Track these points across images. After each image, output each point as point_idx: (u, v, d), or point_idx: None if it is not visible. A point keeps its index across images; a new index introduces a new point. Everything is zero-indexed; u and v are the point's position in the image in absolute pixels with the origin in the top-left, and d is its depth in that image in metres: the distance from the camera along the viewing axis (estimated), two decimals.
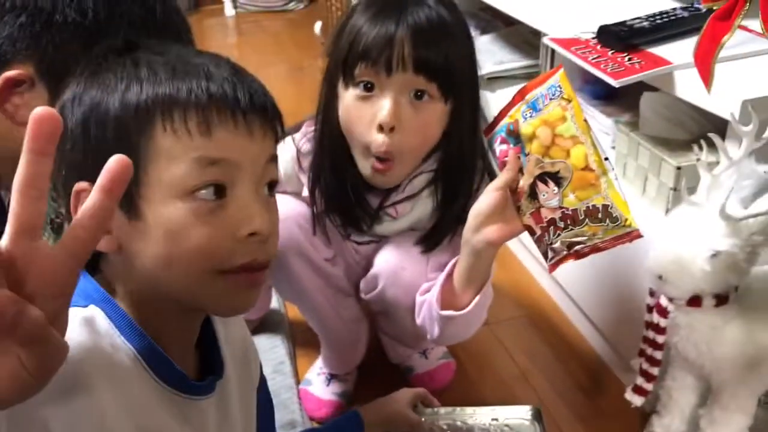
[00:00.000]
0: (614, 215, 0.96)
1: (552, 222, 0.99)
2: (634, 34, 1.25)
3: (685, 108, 1.28)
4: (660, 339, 1.12)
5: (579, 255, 1.00)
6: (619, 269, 1.40)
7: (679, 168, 1.21)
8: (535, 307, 1.71)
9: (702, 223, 1.02)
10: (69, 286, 0.47)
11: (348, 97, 1.09)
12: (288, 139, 1.21)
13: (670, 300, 1.08)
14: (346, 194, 1.17)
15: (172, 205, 0.62)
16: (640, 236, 0.97)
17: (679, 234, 1.04)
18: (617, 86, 1.17)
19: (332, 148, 1.15)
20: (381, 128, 1.06)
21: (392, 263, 1.20)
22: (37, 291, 0.44)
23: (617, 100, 1.56)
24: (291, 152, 1.21)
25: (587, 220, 0.97)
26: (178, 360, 0.69)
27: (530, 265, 1.83)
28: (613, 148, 1.42)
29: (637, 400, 1.19)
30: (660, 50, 1.23)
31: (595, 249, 0.99)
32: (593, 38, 1.31)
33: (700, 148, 1.06)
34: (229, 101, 0.63)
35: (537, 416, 1.23)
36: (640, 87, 1.31)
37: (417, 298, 1.18)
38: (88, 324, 0.63)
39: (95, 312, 0.64)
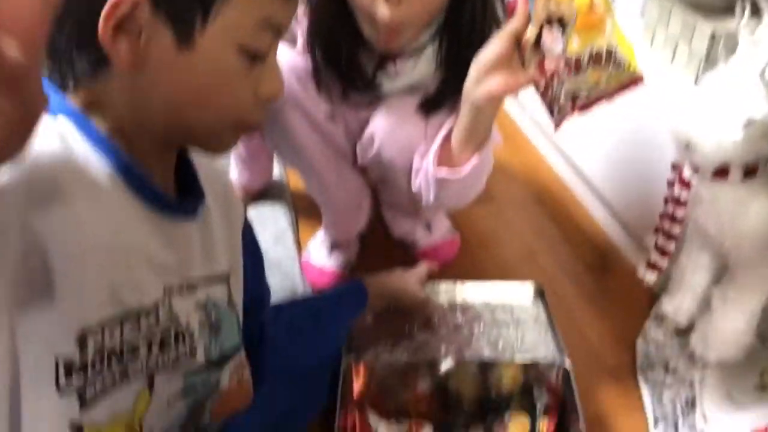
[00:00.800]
0: (618, 60, 0.90)
1: (556, 72, 0.93)
2: None
3: None
4: (679, 213, 1.07)
5: (583, 107, 0.94)
6: (638, 146, 1.34)
7: (713, 35, 1.12)
8: (544, 186, 1.66)
9: (737, 89, 0.95)
10: (41, 36, 0.41)
11: None
12: None
13: (695, 171, 1.02)
14: (344, 49, 1.10)
15: (224, 51, 0.62)
16: (642, 82, 0.92)
17: (711, 101, 0.97)
18: None
19: (330, 3, 1.07)
20: None
21: (389, 122, 1.14)
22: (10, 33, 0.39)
23: None
24: None
25: (590, 66, 0.91)
26: (158, 180, 0.66)
27: (540, 144, 1.77)
28: (642, 16, 1.33)
29: (650, 277, 1.15)
30: None
31: (599, 99, 0.94)
32: None
33: (742, 10, 0.98)
34: None
35: (539, 293, 1.21)
36: None
37: (414, 162, 1.12)
38: (60, 137, 0.59)
39: (67, 126, 0.61)
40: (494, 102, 0.96)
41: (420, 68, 1.13)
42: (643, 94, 0.95)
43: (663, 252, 1.13)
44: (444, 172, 1.04)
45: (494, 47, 0.92)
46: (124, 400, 0.66)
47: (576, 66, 0.91)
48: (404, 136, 1.13)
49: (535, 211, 1.59)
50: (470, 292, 1.23)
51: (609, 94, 0.94)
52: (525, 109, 1.79)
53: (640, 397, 1.17)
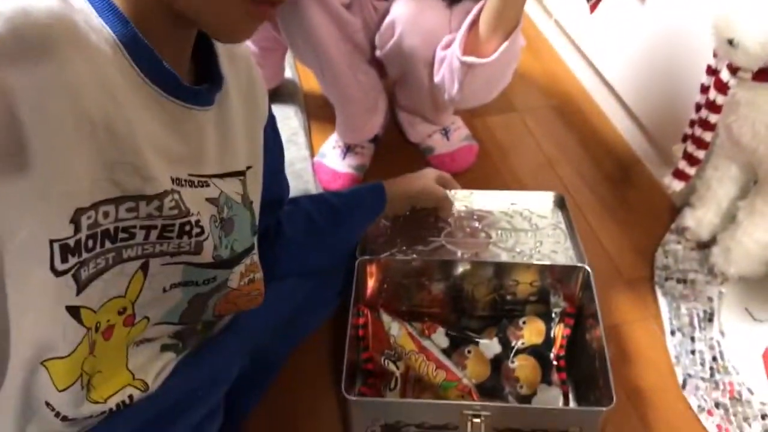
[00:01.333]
0: None
1: None
2: None
3: None
4: (713, 118, 1.02)
5: None
6: (667, 52, 1.27)
7: None
8: (566, 95, 1.60)
9: None
10: None
11: None
12: None
13: (734, 72, 0.96)
14: None
15: None
16: None
17: None
18: None
19: None
20: None
21: (411, 8, 1.09)
22: None
23: None
24: None
25: None
26: (169, 63, 0.60)
27: (563, 51, 1.69)
28: None
29: (676, 185, 1.11)
30: None
31: None
32: None
33: None
34: None
35: (560, 203, 1.17)
36: None
37: (437, 53, 1.07)
38: None
39: None
40: None
41: None
42: None
43: (691, 160, 1.08)
44: (472, 57, 0.98)
45: None
46: (116, 285, 0.63)
47: None
48: (427, 23, 1.07)
49: (555, 120, 1.54)
50: (489, 200, 1.19)
51: None
52: (550, 15, 1.71)
53: (657, 309, 1.14)
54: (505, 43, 0.97)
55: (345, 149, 1.34)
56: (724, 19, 0.92)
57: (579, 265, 1.01)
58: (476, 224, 1.14)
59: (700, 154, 1.07)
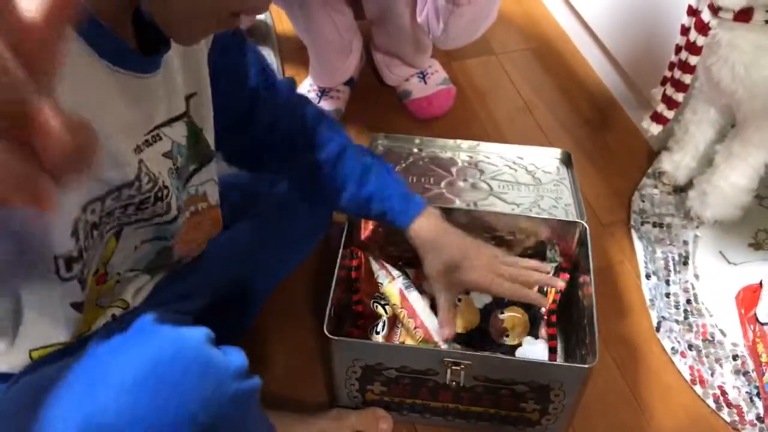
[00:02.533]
0: None
1: None
2: None
3: None
4: (693, 60, 1.00)
5: None
6: None
7: None
8: (545, 39, 1.57)
9: None
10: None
11: None
12: None
13: (716, 12, 0.94)
14: None
15: None
16: None
17: None
18: None
19: None
20: None
21: None
22: None
23: None
24: None
25: None
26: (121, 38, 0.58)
27: None
28: None
29: (654, 129, 1.10)
30: None
31: None
32: None
33: None
34: None
35: (566, 160, 1.15)
36: None
37: None
38: None
39: None
40: None
41: None
42: None
43: (670, 103, 1.07)
44: None
45: None
46: (95, 256, 0.64)
47: None
48: None
49: (534, 64, 1.51)
50: (494, 151, 1.16)
51: None
52: None
53: (632, 253, 1.15)
54: None
55: (320, 93, 1.31)
56: None
57: (577, 221, 1.00)
58: (478, 176, 1.12)
59: (679, 97, 1.06)
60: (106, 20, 0.55)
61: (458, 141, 1.15)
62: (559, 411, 0.87)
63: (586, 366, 0.81)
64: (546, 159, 1.15)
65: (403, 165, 1.12)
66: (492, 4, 1.01)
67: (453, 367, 0.82)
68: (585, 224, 0.97)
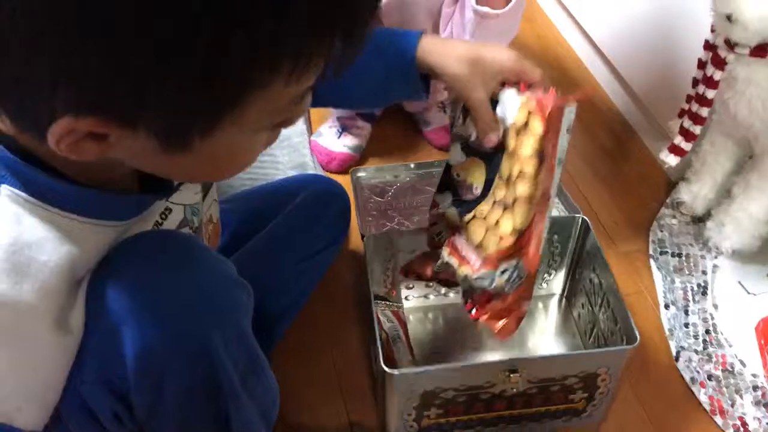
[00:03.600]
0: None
1: None
2: None
3: None
4: (710, 94, 1.02)
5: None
6: (664, 25, 1.27)
7: None
8: (562, 66, 1.59)
9: None
10: None
11: None
12: None
13: (732, 48, 0.96)
14: None
15: (242, 135, 0.52)
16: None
17: None
18: None
19: None
20: None
21: None
22: None
23: None
24: None
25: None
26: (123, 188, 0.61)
27: (560, 23, 1.68)
28: None
29: (672, 160, 1.11)
30: None
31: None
32: None
33: None
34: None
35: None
36: None
37: (443, 10, 1.09)
38: (15, 217, 0.52)
39: (17, 199, 0.52)
40: None
41: None
42: None
43: (688, 135, 1.09)
44: (486, 8, 1.02)
45: None
46: None
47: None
48: None
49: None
50: None
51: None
52: None
53: (651, 282, 1.16)
54: None
55: (341, 129, 1.34)
56: None
57: (575, 215, 1.03)
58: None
59: (697, 129, 1.07)
60: (115, 181, 0.58)
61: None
62: (605, 395, 0.90)
63: (631, 346, 0.86)
64: None
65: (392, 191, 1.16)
66: (517, 15, 1.05)
67: (512, 375, 0.84)
68: (583, 217, 1.01)
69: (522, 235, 0.75)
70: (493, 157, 0.79)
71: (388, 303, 1.00)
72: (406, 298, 1.07)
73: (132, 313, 0.55)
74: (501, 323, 0.80)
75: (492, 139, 0.77)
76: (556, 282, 1.10)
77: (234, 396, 0.63)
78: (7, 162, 0.52)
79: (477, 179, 0.82)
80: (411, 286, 1.06)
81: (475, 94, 0.76)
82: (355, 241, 1.14)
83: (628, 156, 1.38)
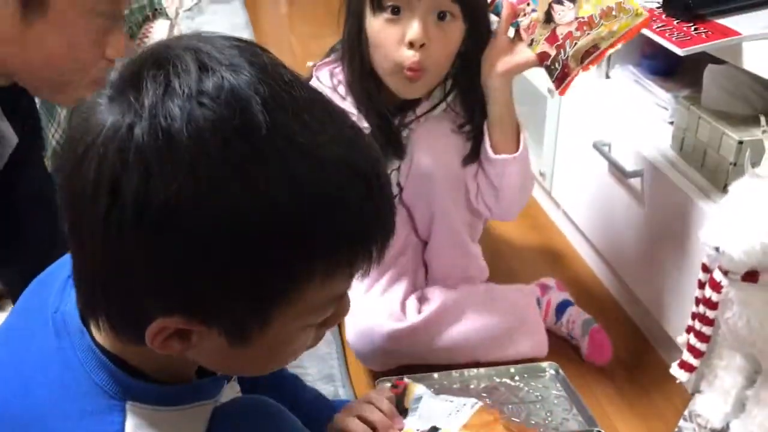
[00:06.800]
0: (627, 7, 1.10)
1: (568, 35, 1.11)
2: (701, 4, 1.21)
3: (749, 82, 1.24)
4: (711, 314, 1.10)
5: (595, 60, 1.13)
6: (669, 243, 1.37)
7: (741, 142, 1.17)
8: (571, 275, 1.69)
9: (765, 196, 1.00)
10: None
11: (376, 23, 1.20)
12: (314, 81, 1.29)
13: (725, 274, 1.05)
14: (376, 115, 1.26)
15: (293, 327, 0.62)
16: (649, 21, 1.12)
17: (740, 207, 1.02)
18: (682, 55, 1.14)
19: (363, 75, 1.25)
20: (411, 45, 1.17)
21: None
22: None
23: (675, 76, 1.52)
24: (327, 87, 1.27)
25: (602, 21, 1.09)
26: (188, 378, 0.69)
27: (567, 230, 1.81)
28: (671, 123, 1.39)
29: (682, 376, 1.17)
30: (728, 21, 1.20)
31: (610, 46, 1.12)
32: (658, 7, 1.28)
33: (767, 120, 1.04)
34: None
35: (555, 371, 1.30)
36: (700, 63, 1.29)
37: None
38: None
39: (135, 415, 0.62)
40: (503, 77, 1.20)
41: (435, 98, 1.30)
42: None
43: (694, 352, 1.15)
44: (503, 155, 1.23)
45: (493, 42, 1.21)
46: None
47: (589, 24, 1.11)
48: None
49: None
50: (484, 376, 1.28)
51: (621, 40, 1.12)
52: (558, 205, 1.84)
53: None
54: (522, 135, 1.24)
55: None
56: (711, 229, 1.02)
57: (594, 429, 1.10)
58: (489, 400, 1.23)
59: (702, 346, 1.14)
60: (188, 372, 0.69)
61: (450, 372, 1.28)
62: None
63: None
64: (539, 374, 1.30)
65: None
66: (528, 162, 1.29)
67: None
68: (602, 430, 1.08)
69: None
70: None
71: None
72: None
73: None
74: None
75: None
76: None
77: None
78: (120, 379, 0.61)
79: None
80: None
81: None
82: None
83: (645, 368, 1.43)
